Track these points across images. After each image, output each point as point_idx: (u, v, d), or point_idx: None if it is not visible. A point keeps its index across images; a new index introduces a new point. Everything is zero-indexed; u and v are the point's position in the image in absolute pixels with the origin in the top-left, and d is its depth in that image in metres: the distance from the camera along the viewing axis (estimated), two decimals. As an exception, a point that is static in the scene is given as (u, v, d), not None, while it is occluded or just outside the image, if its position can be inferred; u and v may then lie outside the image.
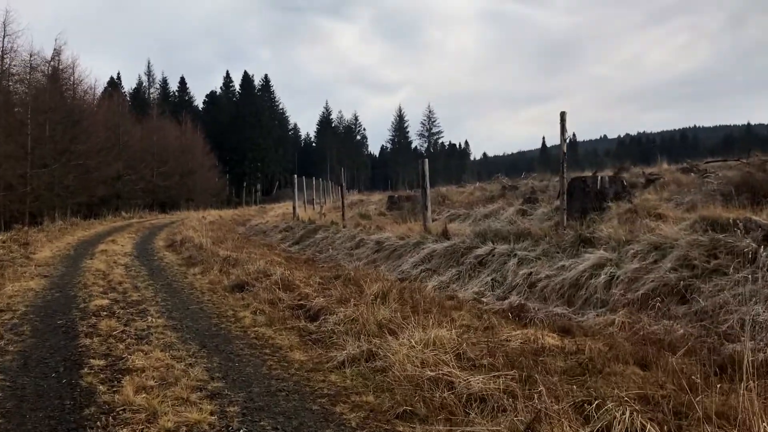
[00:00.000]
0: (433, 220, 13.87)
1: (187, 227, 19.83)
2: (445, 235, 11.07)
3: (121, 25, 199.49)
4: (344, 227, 15.14)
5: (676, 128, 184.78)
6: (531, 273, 8.01)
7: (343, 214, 16.35)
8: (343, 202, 16.83)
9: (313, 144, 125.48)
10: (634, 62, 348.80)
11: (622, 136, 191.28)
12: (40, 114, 27.81)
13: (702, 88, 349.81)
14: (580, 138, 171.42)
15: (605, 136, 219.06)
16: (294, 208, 20.65)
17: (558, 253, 8.50)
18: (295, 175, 21.97)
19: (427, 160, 11.82)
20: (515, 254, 8.74)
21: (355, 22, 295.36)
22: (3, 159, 23.51)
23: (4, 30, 26.13)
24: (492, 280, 8.48)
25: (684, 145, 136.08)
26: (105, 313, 6.58)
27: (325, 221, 16.91)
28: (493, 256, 9.09)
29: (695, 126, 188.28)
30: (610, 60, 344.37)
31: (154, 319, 6.22)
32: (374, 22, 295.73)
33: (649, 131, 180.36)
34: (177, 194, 47.65)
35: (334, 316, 5.87)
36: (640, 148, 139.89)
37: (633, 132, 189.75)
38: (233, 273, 9.25)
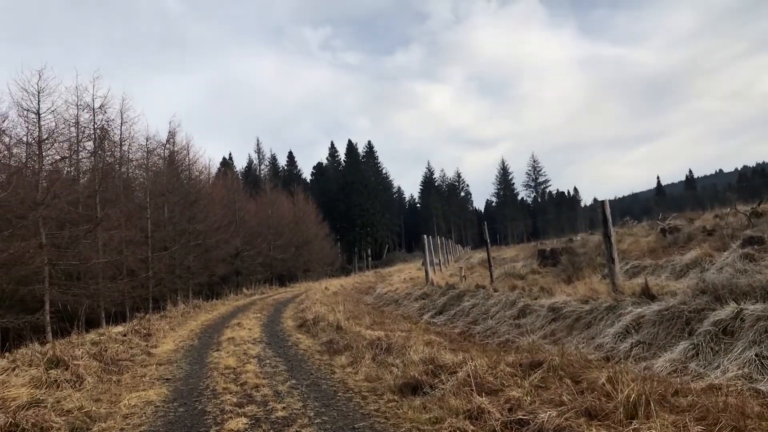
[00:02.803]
0: (607, 276, 11.49)
1: (313, 301, 18.26)
2: (646, 294, 8.66)
3: (228, 111, 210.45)
4: (495, 291, 12.94)
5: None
6: (828, 345, 5.52)
7: (491, 275, 14.17)
8: (490, 261, 14.66)
9: (418, 205, 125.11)
10: (744, 92, 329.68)
11: (739, 168, 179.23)
12: (158, 197, 27.77)
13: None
14: (695, 174, 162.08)
15: (721, 170, 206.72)
16: (426, 271, 18.70)
17: None
18: (425, 236, 20.06)
19: (607, 200, 9.55)
20: (783, 317, 6.25)
21: (448, 83, 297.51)
22: (125, 245, 23.17)
23: (122, 117, 26.38)
24: (757, 356, 6.00)
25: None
26: (246, 445, 4.70)
27: (467, 285, 14.77)
28: (743, 320, 6.61)
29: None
30: (717, 92, 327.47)
31: (316, 457, 4.26)
32: (467, 81, 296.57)
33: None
34: (294, 266, 47.09)
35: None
36: (765, 180, 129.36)
37: (751, 163, 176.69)
38: (393, 364, 7.27)
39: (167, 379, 8.22)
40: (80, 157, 23.64)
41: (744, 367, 5.88)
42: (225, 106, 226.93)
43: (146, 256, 24.51)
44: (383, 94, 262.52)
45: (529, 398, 5.04)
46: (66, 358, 8.63)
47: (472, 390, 5.41)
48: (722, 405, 4.34)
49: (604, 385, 5.21)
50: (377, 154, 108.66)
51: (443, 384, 5.83)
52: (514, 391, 5.24)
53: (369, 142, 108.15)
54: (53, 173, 21.11)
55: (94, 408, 6.31)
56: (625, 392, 4.52)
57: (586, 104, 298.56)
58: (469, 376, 5.68)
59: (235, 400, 6.42)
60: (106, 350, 9.92)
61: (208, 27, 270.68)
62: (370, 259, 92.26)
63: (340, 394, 6.43)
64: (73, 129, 22.47)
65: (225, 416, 5.76)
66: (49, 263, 17.82)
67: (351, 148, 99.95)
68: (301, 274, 47.72)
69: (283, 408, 5.90)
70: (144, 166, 29.78)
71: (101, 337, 11.74)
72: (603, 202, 9.54)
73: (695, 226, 17.23)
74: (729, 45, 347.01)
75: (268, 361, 8.89)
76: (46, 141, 19.76)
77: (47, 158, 20.35)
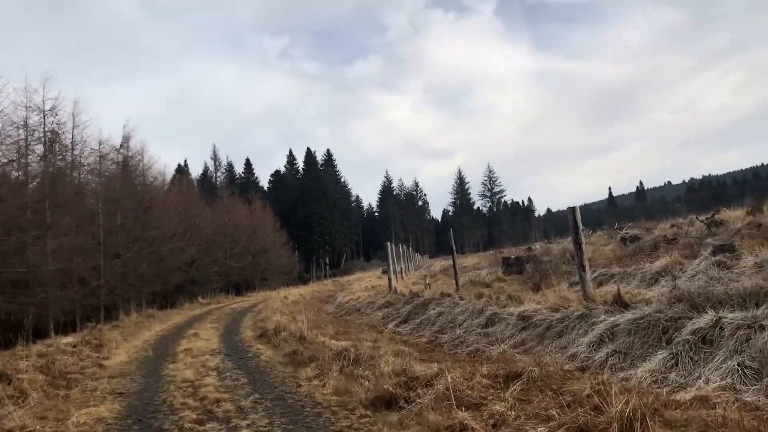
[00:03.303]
0: (576, 284, 11.38)
1: (273, 310, 17.78)
2: (619, 302, 8.50)
3: (185, 118, 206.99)
4: (461, 299, 12.68)
5: (744, 168, 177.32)
6: (813, 354, 5.38)
7: (456, 283, 13.92)
8: (455, 269, 14.39)
9: (376, 213, 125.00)
10: (692, 106, 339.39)
11: (686, 181, 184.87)
12: (111, 202, 26.85)
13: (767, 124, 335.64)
14: (645, 186, 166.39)
15: (669, 182, 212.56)
16: (389, 279, 18.38)
17: (838, 320, 5.86)
18: (389, 243, 19.76)
19: (577, 207, 9.39)
20: (762, 325, 6.11)
21: (406, 93, 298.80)
22: (75, 252, 22.26)
23: (74, 120, 25.41)
24: (739, 365, 5.83)
25: (758, 184, 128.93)
26: (209, 469, 4.29)
27: (432, 293, 14.49)
28: (722, 329, 6.45)
29: (763, 164, 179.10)
30: (667, 106, 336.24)
31: (288, 481, 3.88)
32: (425, 92, 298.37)
33: (714, 173, 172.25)
34: (251, 275, 46.27)
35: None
36: (712, 192, 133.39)
37: (698, 176, 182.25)
38: (363, 376, 6.92)
39: (120, 393, 7.70)
40: (29, 160, 22.66)
41: (727, 377, 5.71)
42: (181, 112, 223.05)
43: (98, 264, 23.62)
44: (342, 104, 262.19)
45: (513, 413, 4.75)
46: (9, 372, 8.08)
47: (452, 404, 5.10)
48: (720, 419, 4.12)
49: (589, 397, 4.98)
50: (336, 163, 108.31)
51: (419, 397, 5.49)
52: (496, 405, 4.94)
53: (328, 150, 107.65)
54: (0, 177, 20.18)
55: (38, 427, 5.79)
56: (618, 406, 4.25)
57: (540, 117, 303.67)
58: (447, 389, 5.36)
59: (194, 416, 5.97)
60: (53, 362, 9.33)
61: (165, 34, 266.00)
62: (328, 267, 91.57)
63: (308, 409, 6.04)
64: (21, 131, 21.54)
65: (184, 435, 5.33)
66: (-6, 270, 16.95)
67: (310, 156, 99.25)
68: (259, 282, 46.90)
69: (248, 425, 5.49)
70: (96, 171, 28.78)
71: (49, 349, 11.11)
72: (574, 208, 9.37)
73: (655, 235, 17.35)
74: (677, 61, 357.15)
75: (228, 374, 8.44)
76: (-8, 143, 18.86)
77: (-7, 161, 19.43)
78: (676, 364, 6.37)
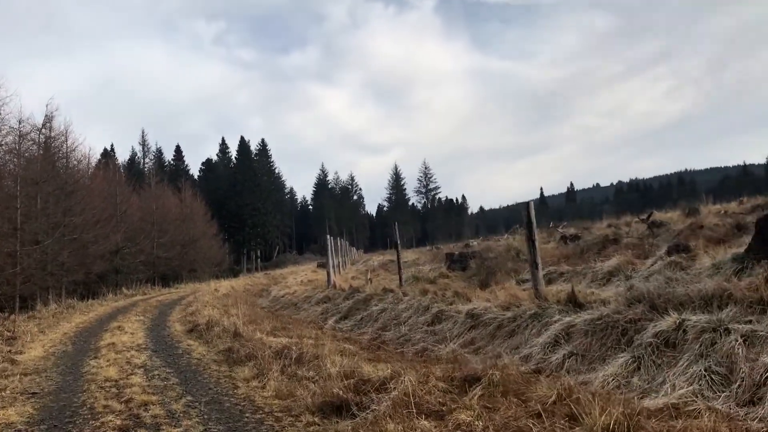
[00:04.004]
0: (525, 281, 11.15)
1: (203, 303, 16.94)
2: (573, 302, 8.22)
3: (112, 101, 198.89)
4: (405, 295, 12.25)
5: (669, 173, 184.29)
6: (786, 360, 5.13)
7: (400, 278, 13.48)
8: (399, 264, 13.93)
9: (310, 207, 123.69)
10: (620, 111, 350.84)
11: (615, 183, 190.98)
12: (31, 185, 25.09)
13: (691, 131, 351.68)
14: (575, 187, 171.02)
15: (598, 184, 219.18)
16: (328, 274, 17.80)
17: (807, 324, 5.67)
18: (329, 236, 19.17)
19: (532, 202, 9.07)
20: (727, 329, 5.88)
21: (344, 87, 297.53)
22: (-12, 237, 20.69)
23: (-11, 95, 23.50)
24: (706, 370, 5.56)
25: (683, 189, 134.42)
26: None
27: (374, 288, 14.02)
28: (685, 332, 6.20)
29: (687, 170, 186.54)
30: (596, 110, 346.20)
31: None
32: (363, 87, 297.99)
33: (641, 177, 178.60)
34: (179, 266, 44.62)
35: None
36: (639, 195, 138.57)
37: (625, 179, 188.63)
38: (307, 377, 6.37)
39: (34, 393, 6.89)
40: (-62, 136, 20.90)
41: (694, 382, 5.42)
42: (109, 95, 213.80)
43: (14, 250, 22.01)
44: (278, 94, 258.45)
45: (481, 423, 4.29)
46: None
47: (411, 412, 4.61)
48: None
49: (555, 403, 4.62)
50: (271, 153, 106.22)
51: (374, 403, 4.98)
52: (462, 414, 4.47)
53: (263, 140, 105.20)
54: None
55: (-68, 435, 5.00)
56: (601, 417, 3.86)
57: (476, 115, 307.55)
58: (406, 394, 4.86)
59: (118, 422, 5.29)
60: (-44, 358, 8.37)
61: (94, 13, 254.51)
62: (259, 260, 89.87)
63: (248, 414, 5.44)
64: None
65: (106, 446, 4.65)
66: None
67: (243, 145, 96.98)
68: (187, 274, 45.34)
69: (180, 434, 4.86)
70: (15, 152, 26.88)
71: (-48, 342, 10.06)
72: (528, 203, 9.06)
73: (596, 234, 17.40)
74: (609, 66, 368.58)
75: (156, 372, 7.71)
76: None
77: None
78: (639, 368, 6.09)
